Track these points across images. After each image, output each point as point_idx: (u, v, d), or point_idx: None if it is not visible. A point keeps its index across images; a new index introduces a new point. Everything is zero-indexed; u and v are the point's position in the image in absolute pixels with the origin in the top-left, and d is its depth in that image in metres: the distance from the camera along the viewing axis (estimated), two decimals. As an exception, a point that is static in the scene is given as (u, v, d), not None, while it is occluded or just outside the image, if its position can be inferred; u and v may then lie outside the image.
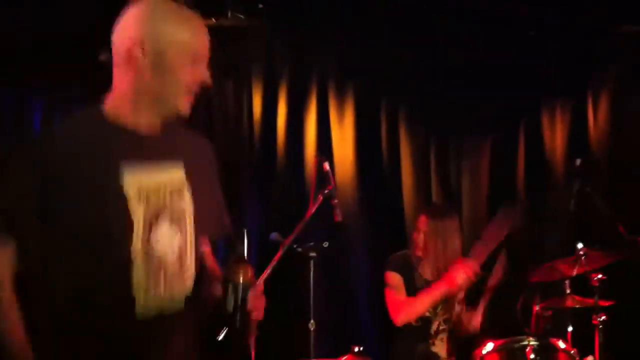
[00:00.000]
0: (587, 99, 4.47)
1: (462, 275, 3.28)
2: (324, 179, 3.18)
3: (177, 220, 1.72)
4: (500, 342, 3.06)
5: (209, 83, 1.76)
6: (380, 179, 4.45)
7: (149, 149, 1.73)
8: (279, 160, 4.44)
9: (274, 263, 3.01)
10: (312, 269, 3.23)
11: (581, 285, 3.33)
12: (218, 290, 1.69)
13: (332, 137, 4.43)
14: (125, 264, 1.64)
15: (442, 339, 3.48)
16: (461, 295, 3.50)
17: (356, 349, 3.22)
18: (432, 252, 3.48)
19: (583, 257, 3.16)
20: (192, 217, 1.75)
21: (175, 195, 1.73)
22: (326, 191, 3.13)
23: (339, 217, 3.12)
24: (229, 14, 4.28)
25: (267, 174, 4.44)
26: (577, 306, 3.23)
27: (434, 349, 3.45)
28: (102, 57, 4.20)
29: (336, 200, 3.12)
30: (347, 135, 4.46)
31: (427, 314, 3.42)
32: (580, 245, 3.16)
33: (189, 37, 1.72)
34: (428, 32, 4.38)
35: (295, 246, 3.15)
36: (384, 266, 3.54)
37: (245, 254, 1.79)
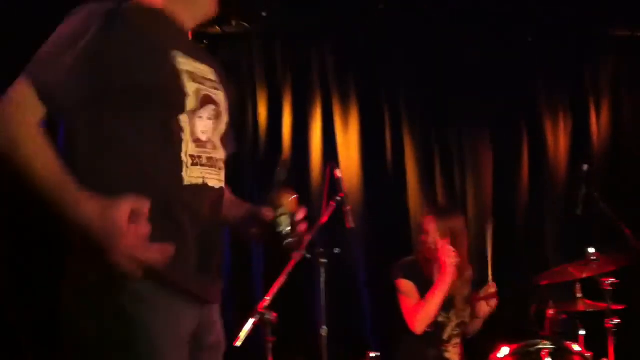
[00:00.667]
0: (588, 103, 4.52)
1: (448, 256, 3.34)
2: (335, 185, 3.18)
3: (219, 110, 1.78)
4: (515, 346, 3.06)
5: None
6: (385, 183, 4.46)
7: (191, 44, 1.81)
8: (285, 167, 4.43)
9: (288, 270, 3.00)
10: (322, 275, 3.23)
11: (590, 289, 3.36)
12: (268, 214, 1.79)
13: (338, 143, 4.44)
14: (178, 132, 1.66)
15: (455, 345, 3.48)
16: (467, 292, 3.52)
17: (372, 355, 3.21)
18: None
19: (594, 262, 3.18)
20: (228, 116, 1.83)
21: (217, 90, 1.79)
22: (338, 198, 3.13)
23: (351, 224, 3.13)
24: (233, 22, 4.29)
25: (273, 182, 4.42)
26: (589, 310, 3.25)
27: (447, 355, 3.45)
28: None
29: (348, 207, 3.12)
30: (352, 140, 4.46)
31: (440, 319, 3.42)
32: (591, 250, 3.17)
33: None
34: (430, 35, 4.41)
35: (305, 253, 3.15)
36: (393, 274, 3.54)
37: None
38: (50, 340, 3.21)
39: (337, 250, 3.26)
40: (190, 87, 1.70)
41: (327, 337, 3.14)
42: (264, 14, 4.20)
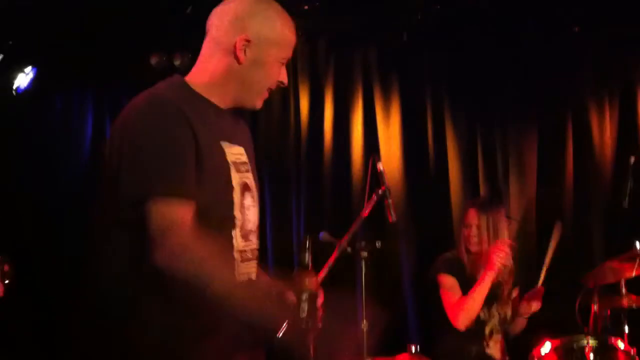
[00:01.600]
0: (636, 94, 4.42)
1: (499, 256, 3.30)
2: (377, 179, 3.18)
3: (253, 194, 1.84)
4: (558, 341, 3.04)
5: (286, 84, 1.86)
6: (427, 177, 4.44)
7: (228, 126, 1.85)
8: (326, 160, 4.46)
9: (330, 263, 3.02)
10: (363, 268, 3.24)
11: (636, 285, 3.30)
12: (292, 297, 1.80)
13: (379, 136, 4.43)
14: (229, 227, 1.74)
15: (496, 341, 3.46)
16: (509, 287, 3.49)
17: (413, 348, 3.21)
18: (485, 245, 3.45)
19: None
20: (258, 196, 1.89)
21: (248, 172, 1.85)
22: (380, 191, 3.12)
23: (393, 218, 3.11)
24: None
25: (315, 175, 4.46)
26: (634, 306, 3.19)
27: (488, 350, 3.44)
28: (153, 60, 4.31)
29: (390, 201, 3.11)
30: (393, 134, 4.45)
31: (481, 315, 3.40)
32: (639, 245, 3.12)
33: (289, 39, 1.83)
34: (472, 27, 4.36)
35: (346, 247, 3.15)
36: (435, 268, 3.53)
37: (310, 263, 1.86)
38: None
39: (378, 244, 3.26)
40: (234, 178, 1.77)
41: (368, 331, 3.14)
42: (306, 7, 4.21)
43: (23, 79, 4.38)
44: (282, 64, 1.83)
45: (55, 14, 3.99)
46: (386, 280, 4.16)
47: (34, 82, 4.39)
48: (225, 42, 1.78)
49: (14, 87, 4.38)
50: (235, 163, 1.78)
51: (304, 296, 1.77)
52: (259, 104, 1.85)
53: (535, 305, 3.42)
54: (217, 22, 1.81)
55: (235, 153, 1.81)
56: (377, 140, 4.42)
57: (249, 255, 1.80)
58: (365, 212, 3.09)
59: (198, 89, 1.80)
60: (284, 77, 1.84)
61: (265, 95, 1.85)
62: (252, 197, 1.83)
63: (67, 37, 4.22)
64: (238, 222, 1.76)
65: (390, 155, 4.41)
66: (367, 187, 3.16)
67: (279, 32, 1.80)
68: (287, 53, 1.83)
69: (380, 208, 3.19)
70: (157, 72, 4.18)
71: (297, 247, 1.96)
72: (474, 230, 3.47)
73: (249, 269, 1.81)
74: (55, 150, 4.64)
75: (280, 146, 4.50)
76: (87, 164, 4.61)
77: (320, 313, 1.81)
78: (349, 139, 4.44)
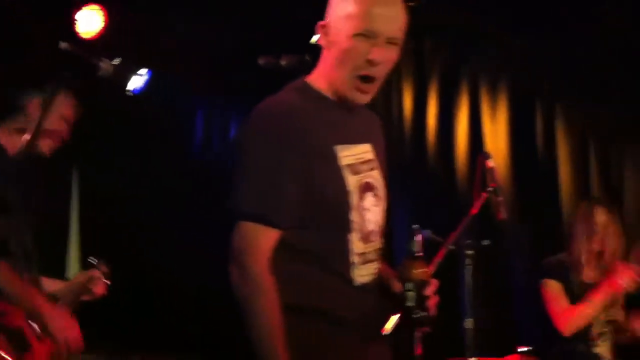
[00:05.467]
0: None
1: (626, 278, 3.19)
2: (486, 176, 3.14)
3: (377, 192, 1.81)
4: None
5: (376, 61, 1.72)
6: (536, 176, 4.32)
7: (350, 124, 1.82)
8: (430, 157, 4.45)
9: (436, 262, 3.01)
10: (469, 267, 3.20)
11: None
12: (398, 286, 1.79)
13: (485, 133, 4.37)
14: (345, 231, 1.74)
15: (604, 340, 3.35)
16: (621, 299, 3.37)
17: (521, 349, 3.15)
18: (608, 245, 3.36)
19: None
20: (384, 192, 1.86)
21: (373, 170, 1.82)
22: (490, 188, 3.09)
23: (503, 215, 3.08)
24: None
25: (419, 172, 4.45)
26: None
27: (597, 349, 3.33)
28: (261, 61, 4.40)
29: (501, 198, 3.08)
30: (500, 131, 4.38)
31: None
32: None
33: (361, 9, 1.71)
34: (584, 24, 4.22)
35: (451, 245, 3.13)
36: (541, 273, 3.44)
37: (421, 252, 1.85)
38: None
39: (486, 242, 3.22)
40: (351, 181, 1.75)
41: (474, 330, 3.11)
42: (411, 3, 4.19)
43: (138, 81, 4.56)
44: (364, 37, 1.69)
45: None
46: (494, 280, 4.10)
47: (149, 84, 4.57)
48: (321, 34, 1.80)
49: (130, 88, 4.57)
50: (352, 165, 1.75)
51: (409, 285, 1.78)
52: (357, 96, 1.75)
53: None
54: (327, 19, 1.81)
55: (355, 154, 1.78)
56: (482, 137, 4.36)
57: (372, 256, 1.79)
58: (475, 209, 3.06)
59: (319, 87, 1.80)
60: (373, 55, 1.69)
61: (361, 86, 1.74)
62: (376, 195, 1.80)
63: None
64: (355, 226, 1.74)
65: (497, 152, 4.31)
66: (477, 184, 3.13)
67: (347, 4, 1.71)
68: (363, 24, 1.68)
69: (486, 206, 3.16)
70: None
71: (407, 238, 1.94)
72: (601, 229, 3.37)
73: (371, 270, 1.79)
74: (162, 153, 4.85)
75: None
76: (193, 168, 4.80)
77: (432, 302, 1.80)
78: (453, 136, 4.40)
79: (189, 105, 4.91)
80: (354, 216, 1.74)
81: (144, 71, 4.53)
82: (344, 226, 1.73)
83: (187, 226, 4.73)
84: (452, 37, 4.45)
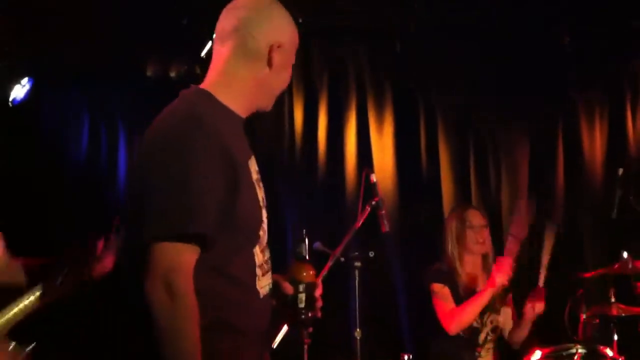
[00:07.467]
0: (625, 106, 4.47)
1: (501, 274, 3.34)
2: (370, 190, 3.23)
3: (266, 205, 1.81)
4: (548, 350, 3.08)
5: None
6: (420, 186, 4.50)
7: (244, 137, 1.83)
8: (320, 171, 4.51)
9: (323, 273, 3.06)
10: (357, 278, 3.28)
11: (625, 293, 3.36)
12: (289, 288, 1.82)
13: (372, 147, 4.48)
14: (253, 245, 1.74)
15: (488, 349, 3.50)
16: (507, 300, 3.54)
17: (405, 357, 3.25)
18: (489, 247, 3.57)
19: (629, 266, 3.18)
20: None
21: (260, 182, 1.82)
22: (373, 202, 3.18)
23: (386, 228, 3.17)
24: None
25: (308, 185, 4.51)
26: (623, 314, 3.25)
27: (480, 359, 3.47)
28: (149, 71, 4.36)
29: (383, 212, 3.17)
30: (386, 143, 4.51)
31: (475, 324, 3.45)
32: (625, 254, 3.17)
33: (297, 39, 1.85)
34: (463, 35, 4.39)
35: (339, 256, 3.20)
36: (427, 277, 3.56)
37: (307, 255, 1.91)
38: None
39: (371, 254, 3.30)
40: (260, 196, 1.76)
41: (362, 339, 3.19)
42: (300, 20, 4.24)
43: (19, 91, 4.40)
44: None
45: (51, 24, 4.03)
46: (379, 290, 4.20)
47: (30, 93, 4.42)
48: (252, 47, 1.75)
49: (10, 99, 4.40)
50: (257, 180, 1.76)
51: (301, 287, 1.81)
52: (270, 106, 1.85)
53: (539, 307, 3.42)
54: (234, 27, 1.76)
55: (255, 168, 1.79)
56: (371, 151, 4.47)
57: (267, 266, 1.79)
58: (359, 222, 3.14)
59: (224, 101, 1.76)
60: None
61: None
62: (265, 207, 1.80)
63: (63, 47, 4.25)
64: (260, 239, 1.75)
65: (384, 165, 4.46)
66: (361, 199, 3.21)
67: (295, 34, 1.83)
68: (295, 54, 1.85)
69: (373, 218, 3.25)
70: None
71: (294, 242, 1.97)
72: (481, 231, 3.53)
73: (269, 280, 1.80)
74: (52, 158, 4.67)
75: (273, 156, 4.54)
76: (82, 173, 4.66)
77: (318, 304, 1.84)
78: (343, 150, 4.49)
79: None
80: (260, 230, 1.76)
81: (25, 80, 4.40)
82: (253, 241, 1.73)
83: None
84: (338, 49, 4.52)
